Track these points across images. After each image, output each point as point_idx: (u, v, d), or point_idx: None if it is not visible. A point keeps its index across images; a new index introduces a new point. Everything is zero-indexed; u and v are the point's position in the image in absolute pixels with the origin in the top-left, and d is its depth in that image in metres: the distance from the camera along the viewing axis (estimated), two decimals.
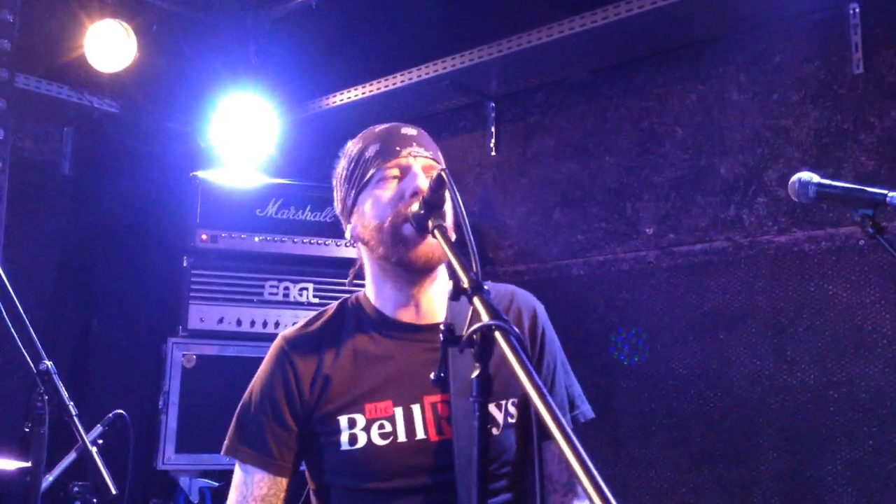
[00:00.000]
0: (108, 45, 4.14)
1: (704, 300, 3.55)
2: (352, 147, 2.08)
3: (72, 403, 2.49)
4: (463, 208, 1.59)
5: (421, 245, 1.89)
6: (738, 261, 3.48)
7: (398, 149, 1.96)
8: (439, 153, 2.05)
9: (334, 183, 2.12)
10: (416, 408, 1.92)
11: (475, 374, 1.35)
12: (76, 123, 4.68)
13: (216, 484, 3.90)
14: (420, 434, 1.90)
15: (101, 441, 2.78)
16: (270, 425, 1.97)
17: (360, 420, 1.91)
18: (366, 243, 2.00)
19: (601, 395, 3.71)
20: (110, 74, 4.23)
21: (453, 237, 1.82)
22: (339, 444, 1.91)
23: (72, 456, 2.85)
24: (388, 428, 1.90)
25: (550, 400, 1.20)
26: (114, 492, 2.29)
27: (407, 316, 2.01)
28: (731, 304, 3.47)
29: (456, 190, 1.63)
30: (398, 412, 1.91)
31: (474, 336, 1.36)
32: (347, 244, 4.07)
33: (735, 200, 3.53)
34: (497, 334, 1.33)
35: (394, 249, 1.92)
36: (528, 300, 2.12)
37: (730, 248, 3.51)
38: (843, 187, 2.10)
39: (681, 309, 3.60)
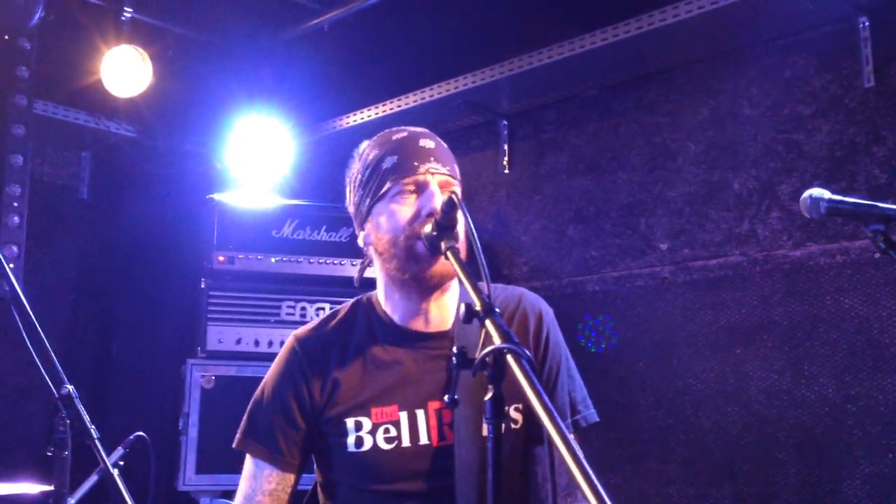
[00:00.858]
0: (125, 71, 4.18)
1: (720, 315, 3.55)
2: (368, 151, 2.07)
3: (93, 427, 2.52)
4: (474, 229, 1.62)
5: (434, 265, 1.91)
6: (753, 275, 3.48)
7: (416, 164, 1.97)
8: (455, 165, 2.07)
9: (347, 182, 2.14)
10: (420, 413, 1.97)
11: (488, 396, 1.37)
12: (94, 148, 4.74)
13: None
14: (423, 439, 1.95)
15: (122, 463, 2.79)
16: (280, 424, 2.01)
17: (367, 423, 1.96)
18: (378, 253, 2.03)
19: (619, 411, 3.72)
20: (126, 99, 4.27)
21: (464, 257, 1.85)
22: (345, 445, 1.96)
23: (93, 478, 2.86)
24: (394, 432, 1.95)
25: (561, 424, 1.21)
26: None
27: (416, 324, 2.04)
28: (747, 319, 3.47)
29: (467, 211, 1.66)
30: (403, 417, 1.96)
31: (486, 359, 1.38)
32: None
33: (749, 215, 3.53)
34: (509, 357, 1.34)
35: (407, 265, 1.94)
36: (534, 303, 2.14)
37: (745, 263, 3.51)
38: (854, 203, 2.10)
39: (697, 324, 3.60)
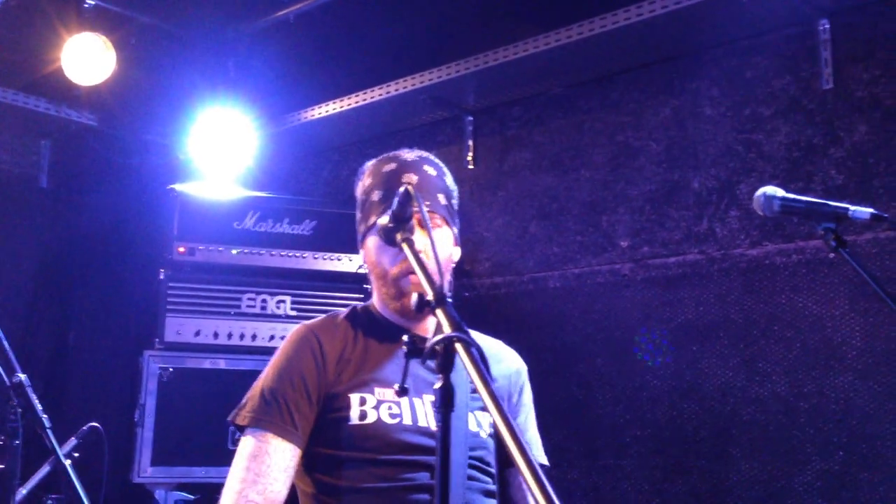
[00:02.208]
0: (87, 59, 4.13)
1: (678, 312, 3.58)
2: (366, 177, 2.18)
3: (45, 416, 2.50)
4: (430, 222, 1.62)
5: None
6: (710, 273, 3.52)
7: None
8: (444, 192, 2.15)
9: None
10: (418, 401, 2.04)
11: (437, 385, 1.37)
12: (54, 136, 4.68)
13: (192, 497, 3.89)
14: (422, 422, 2.01)
15: (76, 454, 2.77)
16: (296, 399, 2.01)
17: (371, 399, 2.01)
18: (373, 276, 2.15)
19: (577, 406, 3.74)
20: (88, 87, 4.22)
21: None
22: (348, 418, 1.98)
23: (45, 469, 2.84)
24: (396, 410, 2.01)
25: (506, 410, 1.23)
26: None
27: (412, 329, 2.13)
28: (703, 317, 3.51)
29: (423, 204, 1.66)
30: (404, 400, 2.02)
31: (436, 347, 1.38)
32: (324, 257, 4.10)
33: (708, 214, 3.57)
34: (458, 346, 1.35)
35: (394, 299, 2.08)
36: (515, 356, 2.30)
37: (703, 261, 3.55)
38: (806, 201, 2.14)
39: (655, 321, 3.64)
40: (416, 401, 2.03)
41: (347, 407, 1.99)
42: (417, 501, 1.92)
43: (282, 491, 1.93)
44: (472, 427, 2.04)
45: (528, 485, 1.14)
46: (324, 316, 2.21)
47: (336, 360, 2.05)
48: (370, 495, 1.93)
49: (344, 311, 2.22)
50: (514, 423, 1.21)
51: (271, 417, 1.99)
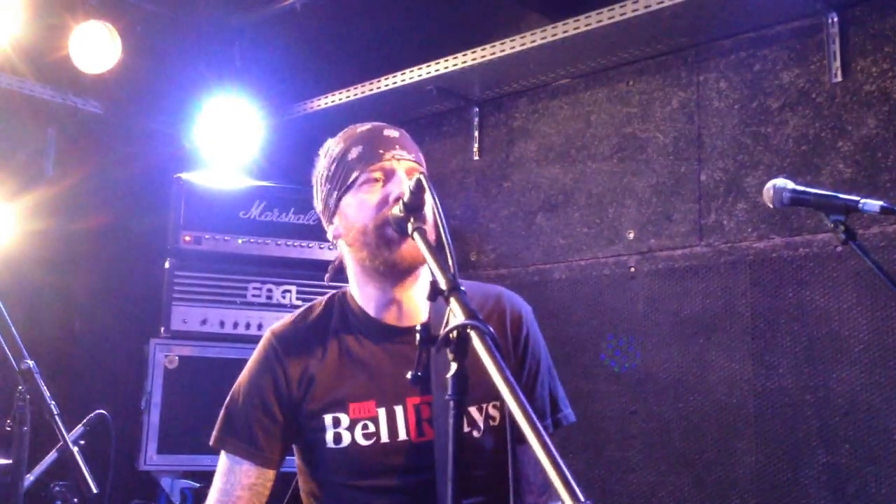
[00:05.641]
0: (93, 47, 4.13)
1: (684, 305, 3.58)
2: (333, 147, 2.07)
3: (53, 403, 2.50)
4: (441, 210, 1.61)
5: (403, 246, 1.91)
6: (717, 266, 3.52)
7: (381, 151, 1.98)
8: (421, 154, 2.07)
9: (314, 181, 2.13)
10: (398, 409, 1.95)
11: (451, 373, 1.37)
12: (60, 125, 4.67)
13: (198, 485, 3.90)
14: (402, 435, 1.93)
15: (82, 441, 2.78)
16: (259, 418, 1.99)
17: (345, 419, 1.95)
18: (349, 245, 2.02)
19: (582, 398, 3.74)
20: (94, 75, 4.22)
21: (433, 239, 1.85)
22: (325, 441, 1.95)
23: (53, 455, 2.84)
24: (372, 428, 1.94)
25: (524, 400, 1.22)
26: (95, 490, 2.30)
27: (390, 317, 2.02)
28: (710, 309, 3.51)
29: (435, 193, 1.65)
30: (381, 413, 1.95)
31: (450, 335, 1.38)
32: (329, 247, 4.09)
33: (715, 206, 3.57)
34: (472, 334, 1.34)
35: (377, 251, 1.94)
36: (513, 301, 2.13)
37: (709, 254, 3.55)
38: (816, 193, 2.14)
39: (661, 313, 3.64)
40: (397, 408, 1.95)
41: (323, 429, 1.95)
42: None
43: None
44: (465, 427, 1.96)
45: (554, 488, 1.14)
46: (296, 314, 2.11)
47: (299, 377, 1.99)
48: None
49: (322, 302, 2.12)
50: (535, 419, 1.20)
51: (235, 438, 2.00)
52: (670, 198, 3.70)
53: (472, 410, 1.97)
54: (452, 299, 1.43)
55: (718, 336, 3.47)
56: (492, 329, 1.35)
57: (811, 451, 3.18)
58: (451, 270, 1.51)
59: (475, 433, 1.95)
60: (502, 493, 1.99)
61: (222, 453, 2.03)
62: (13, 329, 2.45)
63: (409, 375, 1.56)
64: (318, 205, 2.12)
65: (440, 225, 1.60)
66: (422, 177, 1.69)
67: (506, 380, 1.24)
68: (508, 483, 1.96)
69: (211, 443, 2.05)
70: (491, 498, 1.97)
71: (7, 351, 2.49)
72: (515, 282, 4.09)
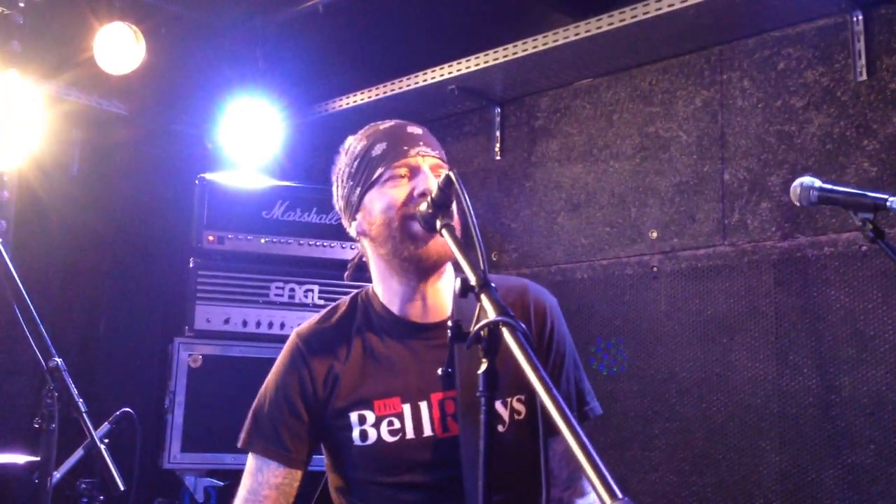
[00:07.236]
0: (117, 48, 4.15)
1: (707, 304, 3.57)
2: (355, 144, 2.09)
3: (81, 400, 2.52)
4: (471, 207, 1.61)
5: (430, 242, 1.92)
6: (741, 266, 3.50)
7: (406, 148, 1.99)
8: (443, 151, 2.08)
9: (334, 179, 2.14)
10: (423, 405, 1.96)
11: (482, 369, 1.38)
12: (85, 126, 4.70)
13: (221, 483, 3.92)
14: (427, 431, 1.95)
15: (107, 440, 2.79)
16: (285, 420, 2.01)
17: (370, 417, 1.96)
18: (372, 240, 2.02)
19: (604, 398, 3.69)
20: (119, 77, 4.24)
21: (459, 236, 1.85)
22: (352, 439, 1.97)
23: (79, 453, 2.87)
24: (397, 425, 1.95)
25: (557, 394, 1.22)
26: (122, 488, 2.31)
27: (414, 313, 2.03)
28: (733, 309, 3.49)
29: (464, 189, 1.66)
30: (406, 409, 1.96)
31: (481, 332, 1.38)
32: (352, 246, 4.10)
33: (739, 206, 3.55)
34: (504, 330, 1.35)
35: (402, 246, 1.95)
36: (539, 294, 2.14)
37: (733, 254, 3.54)
38: (844, 191, 2.13)
39: (684, 313, 3.63)
40: (422, 404, 1.96)
41: (349, 427, 1.97)
42: None
43: None
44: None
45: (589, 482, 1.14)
46: (321, 314, 2.12)
47: (324, 377, 2.01)
48: None
49: (346, 301, 2.13)
50: (567, 412, 1.20)
51: (261, 441, 2.03)
52: (693, 197, 3.69)
53: (497, 405, 1.96)
54: (483, 296, 1.44)
55: (742, 336, 3.45)
56: (523, 325, 1.36)
57: (836, 451, 3.16)
58: (482, 267, 1.51)
59: (500, 427, 1.96)
60: (527, 488, 2.00)
61: (251, 456, 2.06)
62: (41, 327, 2.46)
63: (439, 372, 1.57)
64: (339, 202, 2.13)
65: (470, 221, 1.60)
66: (451, 173, 1.70)
67: (539, 376, 1.24)
68: (532, 478, 1.97)
69: (238, 444, 2.08)
70: (516, 493, 1.97)
71: (35, 349, 2.50)
72: (537, 282, 4.05)
